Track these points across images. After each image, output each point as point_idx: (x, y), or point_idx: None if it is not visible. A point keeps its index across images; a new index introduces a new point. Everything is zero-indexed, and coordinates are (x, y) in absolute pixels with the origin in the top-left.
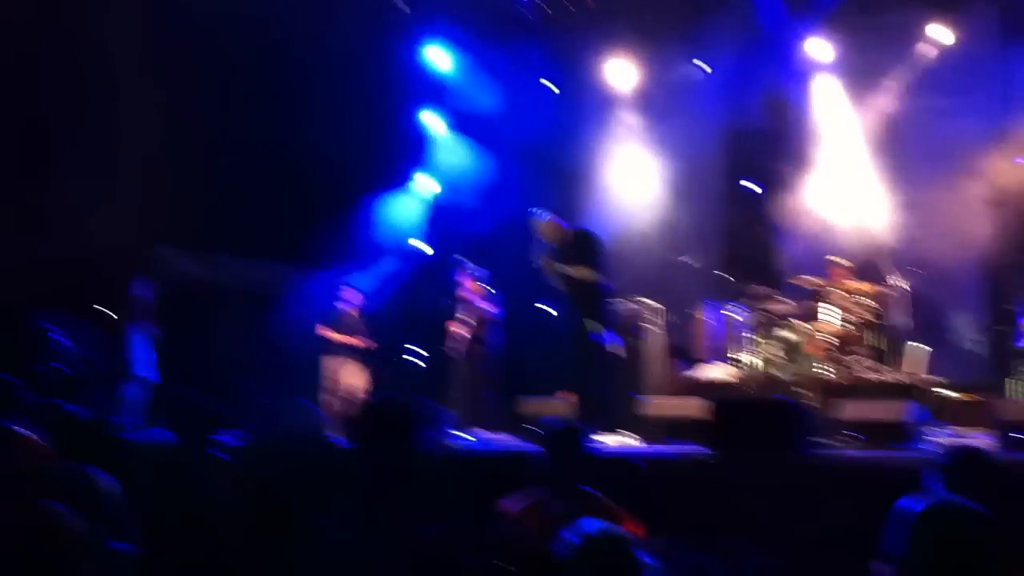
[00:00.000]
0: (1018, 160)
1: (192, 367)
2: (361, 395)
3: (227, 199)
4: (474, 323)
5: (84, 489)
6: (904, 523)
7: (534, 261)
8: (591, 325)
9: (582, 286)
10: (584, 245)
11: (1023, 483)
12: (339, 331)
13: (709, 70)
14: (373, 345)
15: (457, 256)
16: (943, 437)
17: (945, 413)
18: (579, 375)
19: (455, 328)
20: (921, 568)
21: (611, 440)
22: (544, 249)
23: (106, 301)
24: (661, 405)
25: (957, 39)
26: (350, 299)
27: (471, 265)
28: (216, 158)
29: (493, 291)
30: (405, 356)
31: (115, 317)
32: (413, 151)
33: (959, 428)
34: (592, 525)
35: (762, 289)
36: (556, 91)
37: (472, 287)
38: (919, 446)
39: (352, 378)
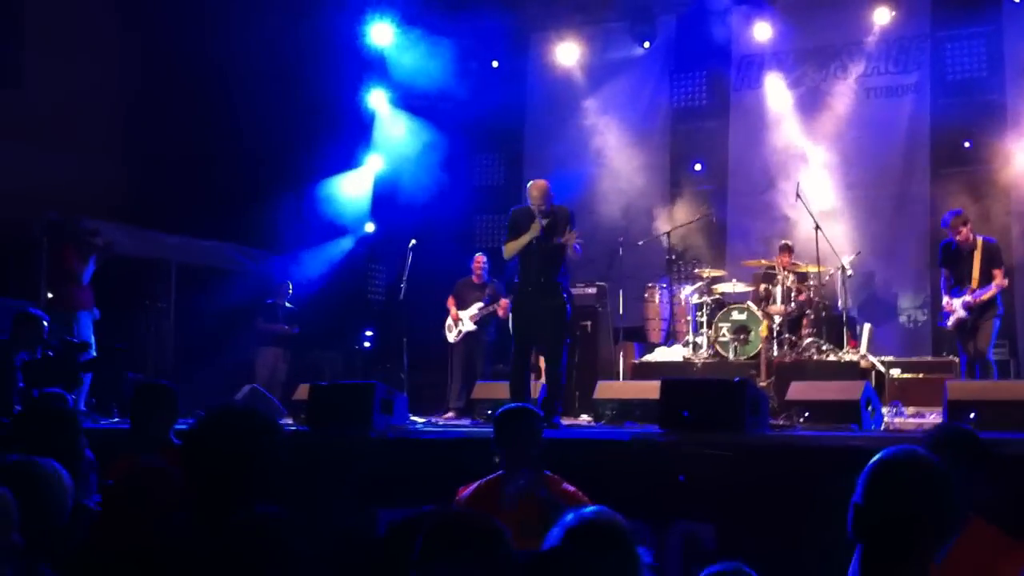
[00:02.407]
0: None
1: (131, 348)
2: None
3: (172, 179)
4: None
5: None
6: (867, 470)
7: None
8: (563, 307)
9: (559, 257)
10: (564, 217)
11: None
12: (274, 321)
13: (647, 45)
14: (294, 332)
15: (414, 243)
16: (892, 416)
17: (893, 391)
18: (554, 355)
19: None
20: (873, 513)
21: (567, 422)
22: (534, 210)
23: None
24: (615, 387)
25: (893, 19)
26: (285, 290)
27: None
28: (160, 137)
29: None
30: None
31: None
32: (359, 130)
33: (907, 407)
34: (588, 510)
35: (713, 271)
36: (496, 64)
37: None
38: (870, 425)
39: (284, 364)
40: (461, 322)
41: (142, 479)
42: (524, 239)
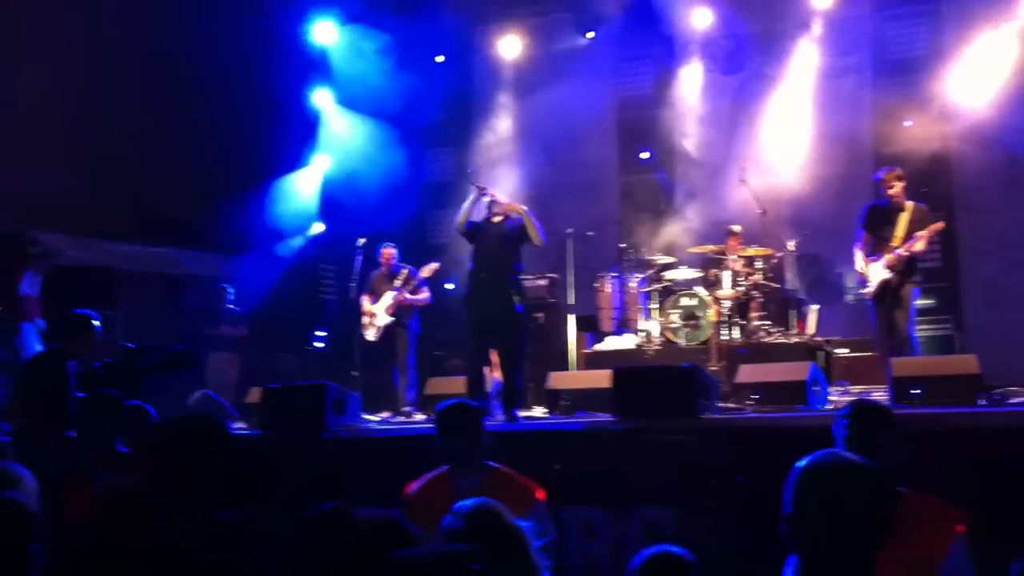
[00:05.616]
0: (907, 123)
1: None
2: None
3: (116, 184)
4: (399, 306)
5: None
6: (792, 482)
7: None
8: (518, 297)
9: (513, 244)
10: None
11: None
12: (218, 326)
13: (592, 35)
14: (242, 333)
15: (362, 241)
16: (839, 395)
17: (840, 371)
18: (510, 346)
19: (374, 308)
20: (806, 524)
21: (522, 414)
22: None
23: None
24: (568, 378)
25: (834, 1)
26: (225, 294)
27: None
28: (104, 143)
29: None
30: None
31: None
32: (305, 129)
33: (854, 385)
34: (464, 505)
35: (663, 258)
36: (441, 59)
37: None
38: (817, 405)
39: (234, 368)
40: (376, 316)
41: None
42: (465, 204)
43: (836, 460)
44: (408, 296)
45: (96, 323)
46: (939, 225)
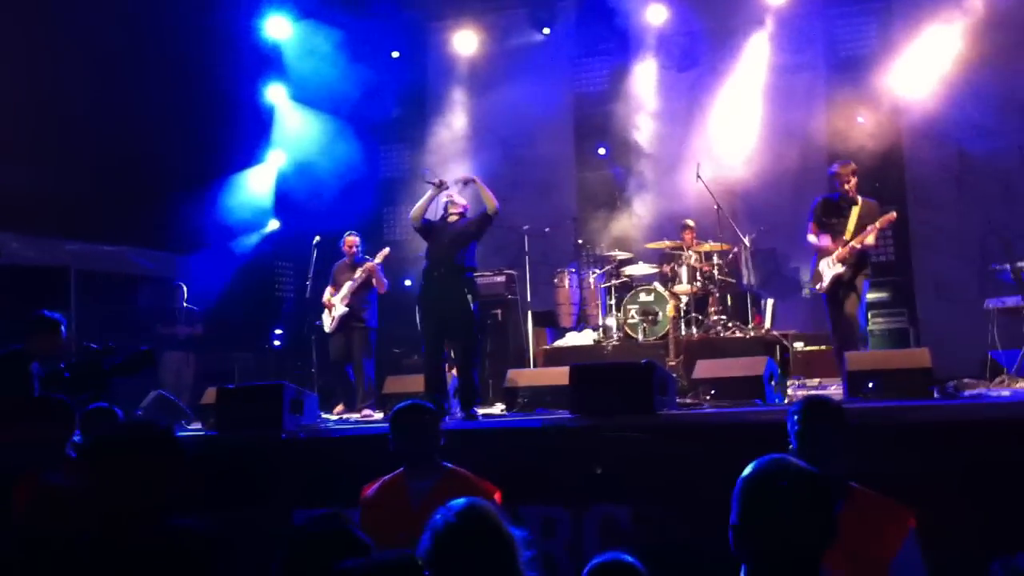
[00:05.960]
0: (860, 119)
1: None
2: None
3: (69, 182)
4: (355, 300)
5: None
6: (736, 492)
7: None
8: (471, 296)
9: (469, 254)
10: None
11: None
12: (172, 325)
13: (547, 31)
14: (197, 332)
15: (318, 239)
16: (795, 389)
17: (796, 365)
18: (465, 344)
19: (333, 299)
20: (751, 533)
21: (481, 411)
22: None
23: None
24: (525, 375)
25: (787, 0)
26: (180, 293)
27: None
28: (56, 140)
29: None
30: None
31: None
32: (259, 126)
33: (810, 379)
34: (458, 503)
35: (620, 254)
36: (396, 55)
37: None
38: (772, 399)
39: (189, 368)
40: (334, 307)
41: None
42: (423, 199)
43: (779, 468)
44: (375, 274)
45: (62, 325)
46: (891, 215)
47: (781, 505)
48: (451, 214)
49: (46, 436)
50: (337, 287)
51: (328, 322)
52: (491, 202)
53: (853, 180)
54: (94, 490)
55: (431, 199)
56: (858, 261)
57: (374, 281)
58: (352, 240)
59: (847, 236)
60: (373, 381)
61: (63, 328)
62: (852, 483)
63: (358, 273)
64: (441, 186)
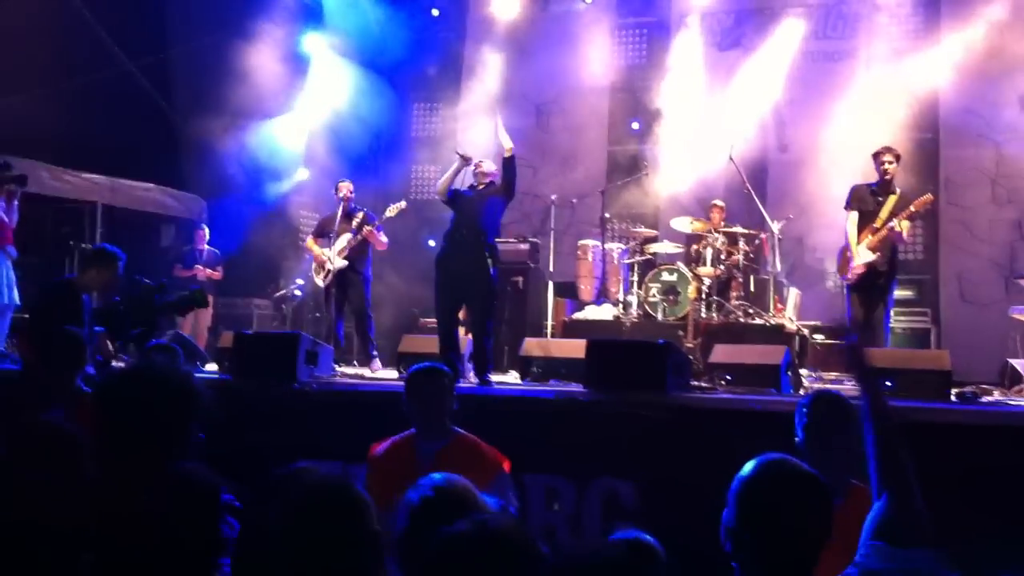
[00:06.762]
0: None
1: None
2: (221, 329)
3: (95, 116)
4: (353, 253)
5: None
6: (732, 493)
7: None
8: (491, 261)
9: (495, 222)
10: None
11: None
12: (191, 267)
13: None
14: (220, 277)
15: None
16: (810, 381)
17: (814, 357)
18: (481, 310)
19: (327, 252)
20: (745, 536)
21: (496, 379)
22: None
23: None
24: (542, 345)
25: None
26: (200, 236)
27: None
28: (87, 73)
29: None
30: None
31: None
32: (294, 74)
33: (829, 372)
34: (433, 478)
35: (646, 231)
36: (436, 13)
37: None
38: (787, 389)
39: (208, 311)
40: (329, 261)
41: (40, 443)
42: (448, 172)
43: (775, 470)
44: (374, 237)
45: (120, 261)
46: (928, 197)
47: (779, 509)
48: (480, 182)
49: (57, 367)
50: (326, 237)
51: (321, 276)
52: (507, 142)
53: (895, 166)
54: (101, 430)
55: (457, 172)
56: (891, 258)
57: (372, 240)
58: (348, 186)
59: (878, 223)
60: (373, 332)
61: (121, 265)
62: (853, 480)
63: (356, 223)
64: (467, 161)
